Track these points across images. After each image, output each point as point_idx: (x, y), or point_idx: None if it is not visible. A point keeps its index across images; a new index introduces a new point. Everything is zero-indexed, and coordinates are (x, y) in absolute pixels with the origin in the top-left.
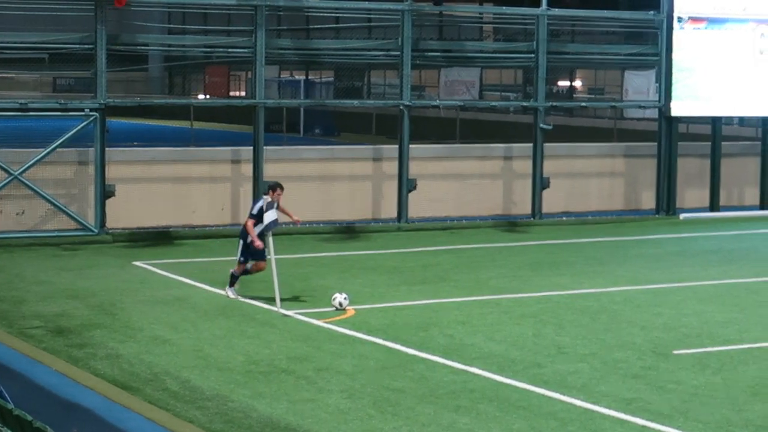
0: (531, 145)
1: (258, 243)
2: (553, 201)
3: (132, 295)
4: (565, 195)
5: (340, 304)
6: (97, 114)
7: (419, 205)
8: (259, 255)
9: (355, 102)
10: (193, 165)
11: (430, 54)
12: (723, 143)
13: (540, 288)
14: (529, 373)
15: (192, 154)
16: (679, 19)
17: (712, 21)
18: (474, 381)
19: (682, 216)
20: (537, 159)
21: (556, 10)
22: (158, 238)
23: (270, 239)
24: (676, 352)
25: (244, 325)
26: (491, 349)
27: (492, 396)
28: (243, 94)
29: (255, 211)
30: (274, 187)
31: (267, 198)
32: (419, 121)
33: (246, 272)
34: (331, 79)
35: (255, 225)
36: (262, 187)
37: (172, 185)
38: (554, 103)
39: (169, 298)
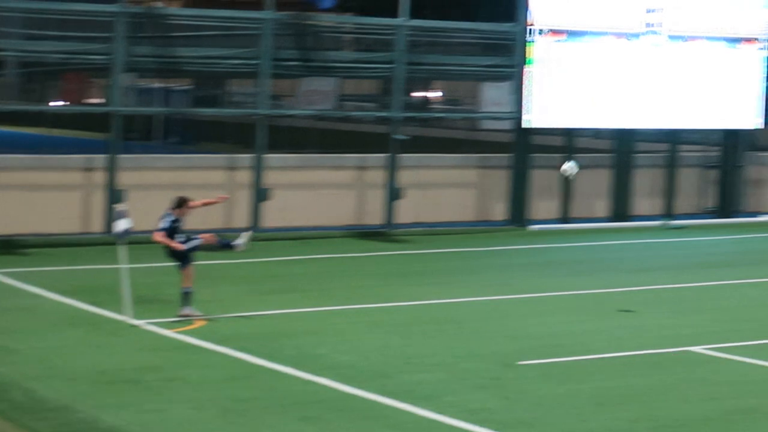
0: (385, 155)
1: (178, 246)
2: (406, 211)
3: None
4: (418, 205)
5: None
6: None
7: (272, 215)
8: (187, 259)
9: (212, 110)
10: (43, 173)
11: (289, 63)
12: (576, 155)
13: (390, 298)
14: (377, 384)
15: (43, 161)
16: (540, 32)
17: (572, 34)
18: (322, 392)
19: (533, 227)
20: (391, 169)
21: (415, 21)
22: (6, 247)
23: (122, 248)
24: (521, 362)
25: (92, 335)
26: (340, 360)
27: (340, 406)
28: (100, 101)
29: (166, 226)
30: (182, 202)
31: (172, 215)
32: (277, 131)
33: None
34: (190, 87)
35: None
36: (116, 195)
37: (22, 193)
38: (410, 114)
39: (16, 307)
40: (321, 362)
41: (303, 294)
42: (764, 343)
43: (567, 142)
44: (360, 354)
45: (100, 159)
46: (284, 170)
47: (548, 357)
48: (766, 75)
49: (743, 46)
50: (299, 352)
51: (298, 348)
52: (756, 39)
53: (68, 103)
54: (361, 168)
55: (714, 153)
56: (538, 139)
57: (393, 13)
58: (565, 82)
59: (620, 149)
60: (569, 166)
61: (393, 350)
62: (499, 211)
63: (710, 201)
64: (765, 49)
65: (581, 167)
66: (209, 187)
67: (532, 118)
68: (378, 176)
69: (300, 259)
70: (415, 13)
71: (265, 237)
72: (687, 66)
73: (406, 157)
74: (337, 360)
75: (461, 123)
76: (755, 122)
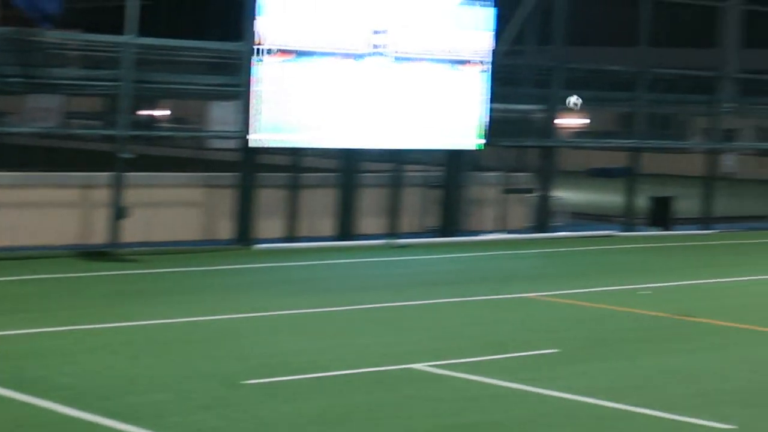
0: (111, 173)
1: None
2: (132, 230)
3: None
4: (145, 224)
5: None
6: None
7: None
8: None
9: None
10: None
11: (12, 80)
12: (303, 174)
13: (115, 319)
14: (100, 405)
15: None
16: (269, 51)
17: (301, 54)
18: (42, 414)
19: (259, 246)
20: (116, 188)
21: (143, 39)
22: None
23: None
24: (247, 382)
25: None
26: (62, 382)
27: (60, 429)
28: None
29: None
30: None
31: None
32: (0, 149)
33: None
34: None
35: None
36: None
37: None
38: (136, 132)
39: None
40: (42, 384)
41: (24, 315)
42: (482, 360)
43: (294, 161)
44: (83, 375)
45: None
46: (8, 189)
47: (274, 376)
48: (487, 96)
49: (466, 68)
50: (19, 375)
51: (18, 370)
52: (478, 61)
53: None
54: (87, 186)
55: (437, 173)
56: (264, 159)
57: (123, 30)
58: (293, 101)
59: (346, 168)
60: (574, 99)
61: (118, 371)
62: (226, 230)
63: (433, 220)
64: (486, 71)
65: (307, 186)
66: None
67: (258, 138)
68: (104, 195)
69: (22, 279)
70: (147, 31)
71: None
72: (412, 87)
73: (133, 176)
74: (59, 382)
75: (189, 142)
76: (477, 142)
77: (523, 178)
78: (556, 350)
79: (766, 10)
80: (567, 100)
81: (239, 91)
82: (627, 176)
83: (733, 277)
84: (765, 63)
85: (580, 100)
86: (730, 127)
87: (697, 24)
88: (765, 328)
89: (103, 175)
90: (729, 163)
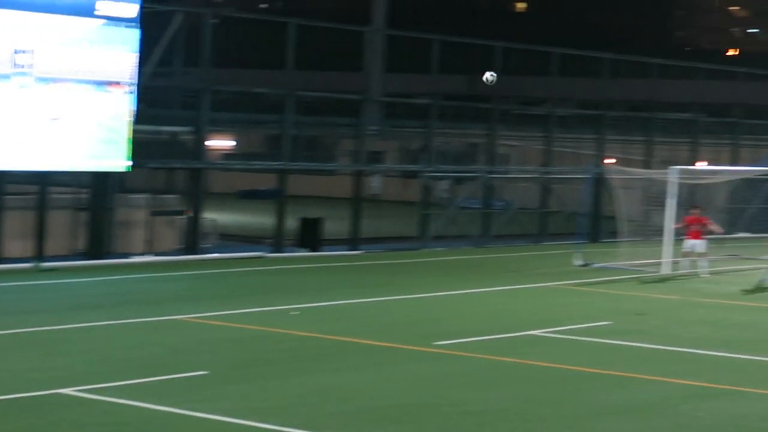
0: None
1: None
2: None
3: None
4: None
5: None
6: None
7: None
8: None
9: None
10: None
11: None
12: None
13: None
14: None
15: None
16: None
17: None
18: None
19: None
20: None
21: None
22: None
23: None
24: None
25: None
26: None
27: None
28: None
29: None
30: None
31: None
32: None
33: None
34: None
35: None
36: None
37: None
38: None
39: None
40: None
41: None
42: (134, 383)
43: None
44: None
45: None
46: None
47: None
48: (133, 118)
49: (112, 89)
50: None
51: None
52: (124, 82)
53: None
54: None
55: (85, 195)
56: None
57: None
58: None
59: None
60: (489, 75)
61: None
62: None
63: (82, 243)
64: (132, 92)
65: None
66: None
67: None
68: None
69: None
70: None
71: None
72: (57, 108)
73: None
74: None
75: None
76: (124, 164)
77: (172, 200)
78: (206, 372)
79: (408, 35)
80: (484, 77)
81: None
82: (276, 198)
83: (380, 297)
84: (407, 87)
85: (495, 76)
86: (376, 149)
87: (343, 48)
88: (412, 347)
89: None
90: (375, 184)
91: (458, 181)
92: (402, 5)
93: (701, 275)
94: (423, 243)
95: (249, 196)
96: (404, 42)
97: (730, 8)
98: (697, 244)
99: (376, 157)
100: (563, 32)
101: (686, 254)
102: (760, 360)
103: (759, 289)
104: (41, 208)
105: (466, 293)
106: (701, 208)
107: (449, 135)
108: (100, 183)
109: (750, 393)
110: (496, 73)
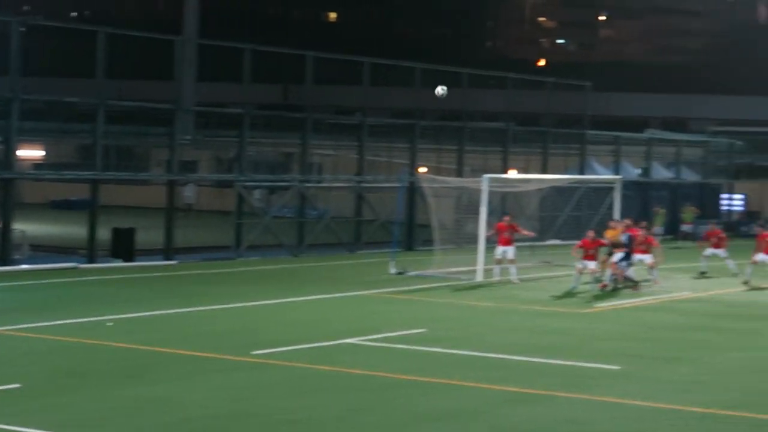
0: None
1: None
2: None
3: None
4: None
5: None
6: None
7: None
8: None
9: None
10: None
11: None
12: None
13: None
14: None
15: None
16: None
17: None
18: None
19: None
20: None
21: None
22: None
23: None
24: None
25: None
26: None
27: None
28: None
29: None
30: None
31: None
32: None
33: None
34: None
35: None
36: None
37: None
38: None
39: None
40: None
41: None
42: None
43: None
44: None
45: None
46: None
47: None
48: None
49: None
50: None
51: None
52: None
53: None
54: None
55: None
56: None
57: None
58: None
59: None
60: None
61: None
62: None
63: None
64: None
65: None
66: None
67: None
68: None
69: None
70: None
71: None
72: None
73: None
74: None
75: None
76: None
77: None
78: (18, 385)
79: (220, 45)
80: (436, 91)
81: None
82: (88, 208)
83: (196, 307)
84: (220, 96)
85: (445, 89)
86: (189, 158)
87: (155, 57)
88: (230, 356)
89: None
90: (188, 194)
91: (272, 190)
92: (214, 15)
93: (513, 281)
94: (238, 253)
95: (61, 207)
96: (216, 51)
97: (539, 19)
98: (508, 251)
99: (189, 166)
100: (376, 42)
101: (498, 261)
102: (573, 365)
103: (569, 294)
104: None
105: (283, 302)
106: (512, 215)
107: (263, 144)
108: None
109: (563, 398)
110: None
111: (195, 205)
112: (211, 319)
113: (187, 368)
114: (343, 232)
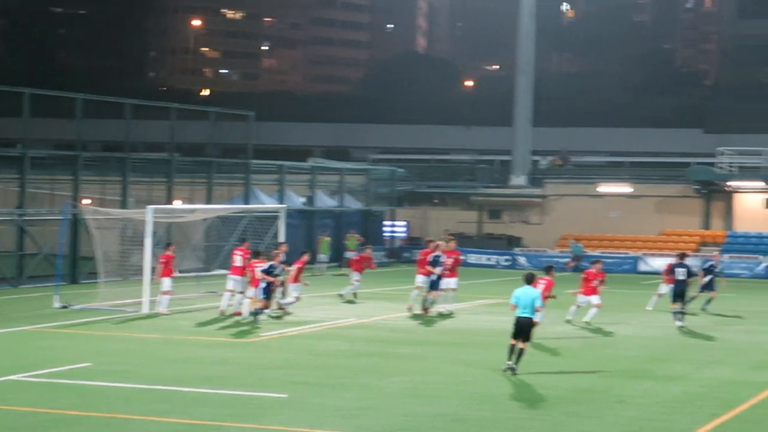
0: None
1: None
2: None
3: None
4: None
5: None
6: None
7: None
8: None
9: None
10: None
11: None
12: None
13: None
14: None
15: None
16: None
17: None
18: None
19: None
20: None
21: None
22: None
23: None
24: None
25: None
26: None
27: None
28: None
29: None
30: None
31: None
32: None
33: None
34: None
35: None
36: None
37: None
38: None
39: None
40: None
41: None
42: None
43: None
44: None
45: None
46: None
47: None
48: None
49: None
50: None
51: None
52: None
53: None
54: None
55: None
56: None
57: None
58: None
59: None
60: None
61: None
62: None
63: None
64: None
65: None
66: None
67: None
68: None
69: None
70: None
71: None
72: None
73: None
74: None
75: None
76: None
77: None
78: None
79: None
80: None
81: None
82: None
83: None
84: None
85: None
86: None
87: None
88: None
89: None
90: None
91: None
92: None
93: (160, 312)
94: None
95: None
96: None
97: (202, 49)
98: (164, 281)
99: None
100: (37, 74)
101: (165, 292)
102: (241, 395)
103: (236, 324)
104: None
105: None
106: (177, 246)
107: None
108: None
109: (232, 428)
110: None
111: None
112: None
113: None
114: (4, 266)
